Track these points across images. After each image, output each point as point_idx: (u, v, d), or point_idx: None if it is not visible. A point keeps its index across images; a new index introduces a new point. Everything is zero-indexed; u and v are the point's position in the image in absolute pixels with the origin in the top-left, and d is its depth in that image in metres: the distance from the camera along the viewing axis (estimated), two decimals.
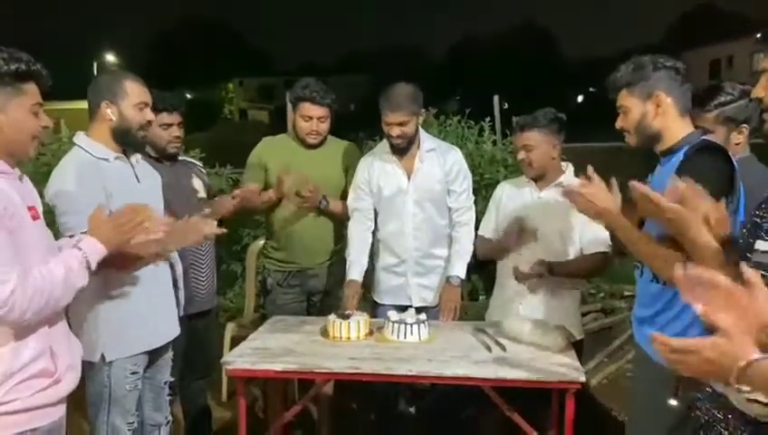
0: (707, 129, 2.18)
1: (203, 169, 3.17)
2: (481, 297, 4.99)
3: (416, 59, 43.44)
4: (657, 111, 1.96)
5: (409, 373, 2.25)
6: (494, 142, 5.62)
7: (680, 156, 1.92)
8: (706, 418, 1.59)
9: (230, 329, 3.84)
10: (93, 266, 1.76)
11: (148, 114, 2.26)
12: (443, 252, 2.96)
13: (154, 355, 2.33)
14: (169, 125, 2.82)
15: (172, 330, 2.39)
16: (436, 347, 2.46)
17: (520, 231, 2.70)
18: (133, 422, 2.28)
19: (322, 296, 3.17)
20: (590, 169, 2.14)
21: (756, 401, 1.38)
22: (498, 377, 2.22)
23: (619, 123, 2.06)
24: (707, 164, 1.84)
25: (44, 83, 1.73)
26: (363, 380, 2.36)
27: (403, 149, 2.88)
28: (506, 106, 6.60)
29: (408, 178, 2.91)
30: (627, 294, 5.62)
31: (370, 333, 2.60)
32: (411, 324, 2.51)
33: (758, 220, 1.41)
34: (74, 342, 1.85)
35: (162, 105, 2.75)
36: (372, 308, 3.05)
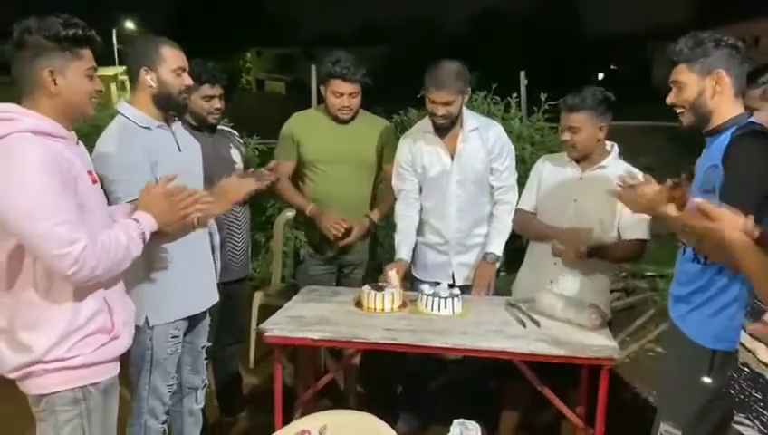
0: (754, 107, 2.16)
1: (240, 140, 3.20)
2: (501, 273, 5.00)
3: (434, 31, 42.86)
4: (715, 89, 1.93)
5: (445, 345, 2.29)
6: (521, 119, 5.57)
7: (727, 137, 1.89)
8: (742, 396, 1.61)
9: (258, 298, 3.90)
10: (147, 238, 1.81)
11: (187, 79, 2.25)
12: (484, 230, 2.96)
13: (194, 320, 2.38)
14: (211, 97, 2.86)
15: (211, 297, 2.44)
16: (470, 321, 2.49)
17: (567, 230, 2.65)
18: (173, 385, 2.34)
19: (354, 268, 3.18)
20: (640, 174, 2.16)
21: None
22: (533, 352, 2.24)
23: (671, 99, 2.02)
24: (755, 152, 1.82)
25: (97, 48, 1.76)
26: (398, 350, 2.39)
27: (446, 128, 2.84)
28: (526, 82, 6.49)
29: (452, 158, 2.89)
30: (648, 274, 5.63)
31: (404, 305, 2.63)
32: (445, 298, 2.54)
33: None
34: (128, 301, 1.93)
35: (205, 77, 2.80)
36: (411, 283, 3.07)
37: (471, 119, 2.92)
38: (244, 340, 3.56)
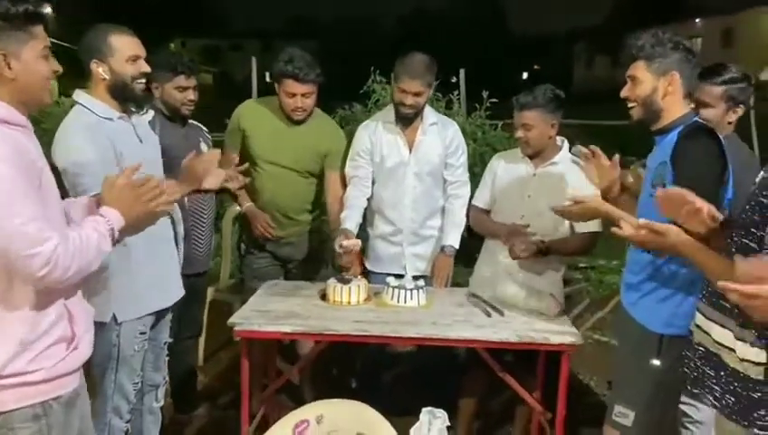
0: (708, 103, 2.32)
1: (208, 134, 3.16)
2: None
3: (366, 27, 42.91)
4: (667, 89, 2.01)
5: (417, 335, 2.34)
6: (463, 116, 5.70)
7: (674, 136, 1.99)
8: (696, 374, 1.73)
9: (209, 293, 3.83)
10: (117, 235, 1.71)
11: (143, 66, 2.18)
12: (437, 223, 3.03)
13: (159, 315, 2.34)
14: (186, 88, 2.83)
15: (178, 291, 2.40)
16: (436, 312, 2.56)
17: (515, 228, 2.73)
18: (138, 383, 2.29)
19: (299, 264, 3.17)
20: (593, 148, 2.27)
21: (748, 361, 1.53)
22: (501, 340, 2.33)
23: (625, 92, 2.09)
24: (702, 149, 1.93)
25: (49, 25, 1.63)
26: (370, 342, 2.43)
27: (409, 119, 2.89)
28: (454, 80, 6.65)
29: (410, 150, 2.94)
30: (582, 265, 5.91)
31: (368, 298, 2.67)
32: (410, 290, 2.60)
33: (765, 201, 1.49)
34: (86, 304, 1.80)
35: (180, 69, 2.77)
36: (365, 276, 3.10)
37: (431, 114, 2.99)
38: (201, 333, 3.50)
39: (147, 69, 2.21)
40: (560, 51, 36.62)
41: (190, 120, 2.98)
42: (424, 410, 2.08)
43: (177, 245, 2.53)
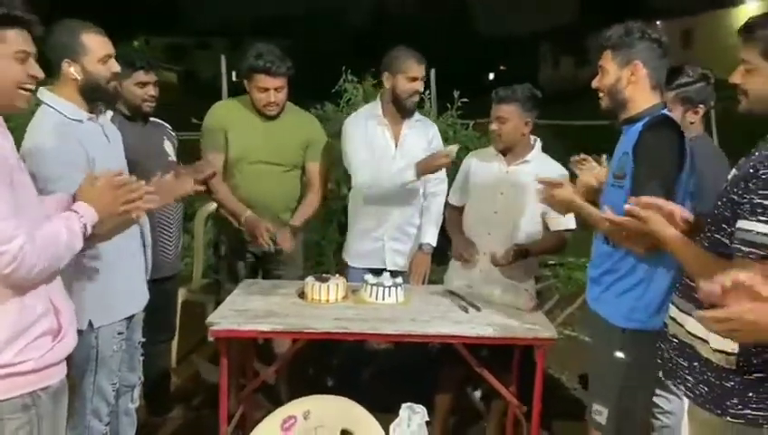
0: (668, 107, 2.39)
1: (173, 132, 3.09)
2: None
3: (336, 27, 42.76)
4: (630, 79, 2.03)
5: (396, 332, 2.36)
6: (434, 116, 5.74)
7: (639, 127, 2.02)
8: (670, 365, 1.77)
9: (180, 294, 3.79)
10: (89, 231, 1.70)
11: (114, 66, 2.14)
12: (418, 220, 3.06)
13: (130, 317, 2.30)
14: (146, 84, 2.75)
15: (146, 294, 2.37)
16: (414, 308, 2.58)
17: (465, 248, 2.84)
18: (116, 383, 2.27)
19: (279, 265, 3.12)
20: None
21: (721, 351, 1.59)
22: (479, 335, 2.36)
23: (595, 83, 2.12)
24: (661, 141, 1.96)
25: (34, 30, 1.61)
26: (350, 339, 2.44)
27: (407, 112, 2.94)
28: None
29: (395, 145, 2.97)
30: (551, 262, 6.00)
31: (346, 296, 2.67)
32: (389, 287, 2.61)
33: (736, 198, 1.53)
34: (70, 301, 1.80)
35: (139, 63, 2.69)
36: (344, 269, 3.11)
37: (415, 111, 3.03)
38: (174, 336, 3.45)
39: (118, 69, 2.16)
40: (526, 51, 37.04)
41: (152, 118, 2.90)
42: (403, 405, 2.09)
43: (145, 249, 2.50)
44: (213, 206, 3.56)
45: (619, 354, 2.07)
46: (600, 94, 2.13)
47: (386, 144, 2.98)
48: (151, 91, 2.78)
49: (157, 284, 2.84)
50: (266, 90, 2.83)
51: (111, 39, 2.16)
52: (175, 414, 3.24)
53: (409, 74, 2.85)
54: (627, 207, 1.75)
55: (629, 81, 2.04)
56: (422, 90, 2.92)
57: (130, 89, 2.70)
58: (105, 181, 1.76)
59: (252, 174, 2.96)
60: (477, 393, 3.42)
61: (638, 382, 2.08)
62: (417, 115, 3.03)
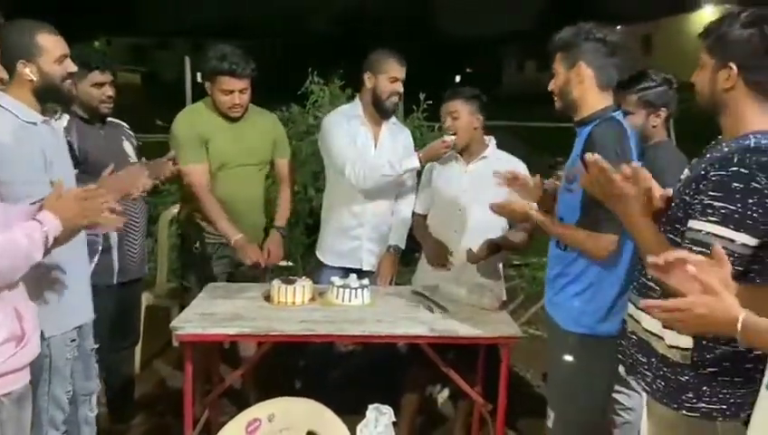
0: (629, 110, 2.44)
1: (132, 133, 3.02)
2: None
3: (300, 29, 42.57)
4: (576, 80, 2.05)
5: (363, 333, 2.36)
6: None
7: (589, 129, 2.04)
8: (630, 361, 1.81)
9: (144, 299, 3.73)
10: (51, 242, 1.68)
11: (70, 66, 2.10)
12: (391, 221, 3.09)
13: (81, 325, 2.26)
14: (102, 84, 2.68)
15: (91, 302, 2.31)
16: (381, 310, 2.59)
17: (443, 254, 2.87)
18: (70, 390, 2.22)
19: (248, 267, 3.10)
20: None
21: (676, 347, 1.64)
22: (445, 335, 2.38)
23: (550, 86, 2.14)
24: (605, 137, 1.96)
25: None
26: (317, 341, 2.44)
27: (389, 112, 2.98)
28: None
29: (375, 145, 3.01)
30: (515, 263, 6.09)
31: (313, 298, 2.67)
32: (355, 288, 2.62)
33: (687, 199, 1.58)
34: (34, 305, 1.80)
35: (95, 63, 2.62)
36: (316, 268, 3.11)
37: (394, 112, 3.09)
38: (138, 342, 3.40)
39: (74, 69, 2.12)
40: (491, 54, 37.50)
41: (110, 119, 2.84)
42: (370, 406, 2.11)
43: (110, 253, 2.46)
44: (176, 209, 3.52)
45: (568, 358, 2.08)
46: (555, 97, 2.15)
47: (367, 144, 3.00)
48: (108, 91, 2.72)
49: (122, 288, 2.81)
50: (231, 92, 2.80)
51: (71, 39, 2.12)
52: (139, 421, 3.20)
53: (391, 74, 2.90)
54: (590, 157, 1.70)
55: (576, 82, 2.05)
56: (402, 91, 2.96)
57: (87, 90, 2.63)
58: (73, 193, 1.76)
59: (231, 178, 2.93)
60: (445, 393, 3.45)
61: (586, 387, 2.08)
62: (392, 118, 3.08)
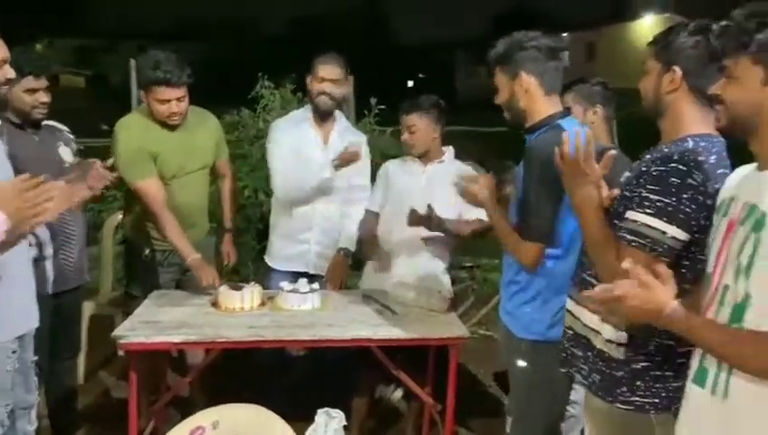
0: (569, 109, 2.51)
1: (71, 135, 2.91)
2: None
3: (252, 32, 42.10)
4: (520, 91, 2.03)
5: (313, 338, 2.36)
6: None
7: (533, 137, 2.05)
8: (565, 354, 1.87)
9: (88, 308, 3.62)
10: (2, 238, 1.62)
11: (9, 71, 2.01)
12: (341, 224, 3.07)
13: (21, 335, 2.17)
14: (35, 90, 2.57)
15: (37, 310, 2.22)
16: (331, 314, 2.59)
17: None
18: (9, 404, 2.13)
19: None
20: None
21: (612, 342, 1.69)
22: (396, 337, 2.41)
23: (496, 99, 2.13)
24: (545, 147, 1.92)
25: None
26: (265, 346, 2.42)
27: (327, 114, 2.95)
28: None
29: (325, 144, 3.00)
30: (467, 264, 6.18)
31: (263, 303, 2.65)
32: (305, 293, 2.62)
33: (628, 194, 1.63)
34: None
35: (28, 68, 2.51)
36: (266, 273, 3.09)
37: (342, 119, 3.09)
38: (80, 352, 3.29)
39: (12, 75, 2.03)
40: (443, 60, 37.92)
41: (46, 122, 2.73)
42: (319, 411, 2.10)
43: (44, 262, 2.38)
44: (120, 216, 3.43)
45: (521, 363, 2.11)
46: (503, 110, 2.14)
47: (315, 148, 3.00)
48: (42, 97, 2.60)
49: (60, 297, 2.72)
50: (168, 101, 2.69)
51: (11, 42, 2.05)
52: (82, 433, 3.11)
53: (318, 74, 2.90)
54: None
55: (522, 92, 2.04)
56: (334, 92, 2.91)
57: (19, 95, 2.52)
58: (12, 184, 1.69)
59: (181, 188, 2.88)
60: (399, 392, 3.47)
61: (543, 391, 2.11)
62: (343, 122, 3.07)
